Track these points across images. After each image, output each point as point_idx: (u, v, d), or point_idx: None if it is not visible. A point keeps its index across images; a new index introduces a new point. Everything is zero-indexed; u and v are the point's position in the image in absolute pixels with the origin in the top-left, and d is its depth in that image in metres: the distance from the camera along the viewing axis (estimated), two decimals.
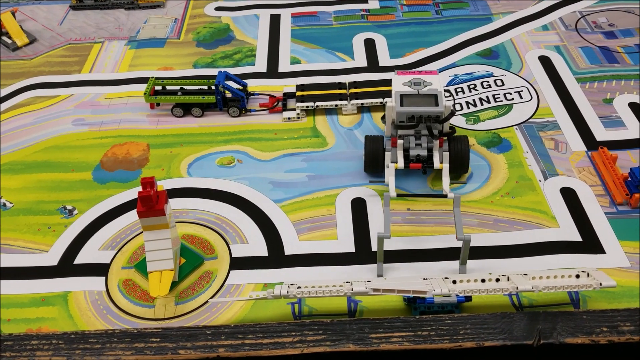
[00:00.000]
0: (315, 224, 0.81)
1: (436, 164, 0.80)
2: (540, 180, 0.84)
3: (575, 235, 0.76)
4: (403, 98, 0.80)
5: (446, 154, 0.81)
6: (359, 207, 0.83)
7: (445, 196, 0.77)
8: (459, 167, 0.83)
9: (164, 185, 0.86)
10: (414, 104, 0.79)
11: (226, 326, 0.60)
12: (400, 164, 0.81)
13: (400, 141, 0.81)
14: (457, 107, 0.98)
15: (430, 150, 0.81)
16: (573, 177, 0.85)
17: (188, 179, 0.89)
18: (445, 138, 0.81)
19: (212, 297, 0.71)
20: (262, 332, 0.59)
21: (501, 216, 0.80)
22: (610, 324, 0.58)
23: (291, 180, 0.87)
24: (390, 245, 0.77)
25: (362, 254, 0.76)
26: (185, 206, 0.84)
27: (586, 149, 0.89)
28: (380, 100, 0.96)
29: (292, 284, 0.67)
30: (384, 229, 0.72)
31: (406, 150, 0.81)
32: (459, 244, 0.72)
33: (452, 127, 0.82)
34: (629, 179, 0.81)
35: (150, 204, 0.68)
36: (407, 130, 0.80)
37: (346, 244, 0.78)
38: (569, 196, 0.82)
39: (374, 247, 0.77)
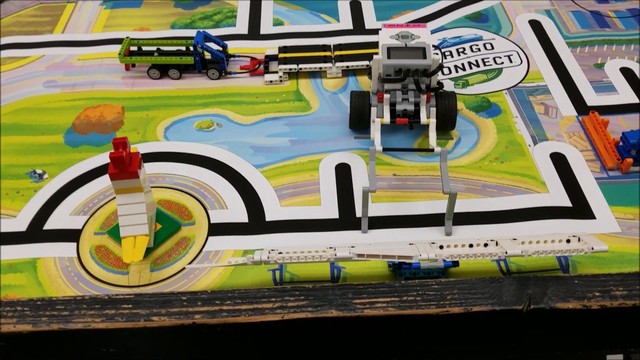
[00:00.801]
0: (298, 189, 0.78)
1: (423, 119, 0.78)
2: (529, 145, 0.82)
3: (565, 201, 0.74)
4: (390, 51, 0.77)
5: (433, 110, 0.79)
6: (343, 173, 0.79)
7: (432, 150, 0.75)
8: (446, 124, 0.81)
9: (138, 149, 0.82)
10: (401, 57, 0.76)
11: (203, 292, 0.57)
12: (387, 119, 0.78)
13: (386, 96, 0.78)
14: (446, 71, 0.94)
15: (417, 105, 0.78)
16: (563, 142, 0.82)
17: (165, 142, 0.85)
18: (432, 93, 0.78)
19: (189, 264, 0.68)
20: (241, 297, 0.56)
21: (490, 181, 0.77)
22: (603, 288, 0.56)
23: (273, 144, 0.84)
24: (375, 211, 0.74)
25: (346, 220, 0.73)
26: (162, 171, 0.81)
27: (577, 114, 0.86)
28: (367, 62, 0.93)
29: (272, 250, 0.64)
30: (369, 183, 0.69)
31: (392, 105, 0.78)
32: (445, 210, 0.70)
33: (440, 83, 0.79)
34: (620, 143, 0.78)
35: (123, 166, 0.65)
36: (393, 84, 0.77)
37: (330, 209, 0.75)
38: (559, 161, 0.80)
39: (359, 213, 0.74)
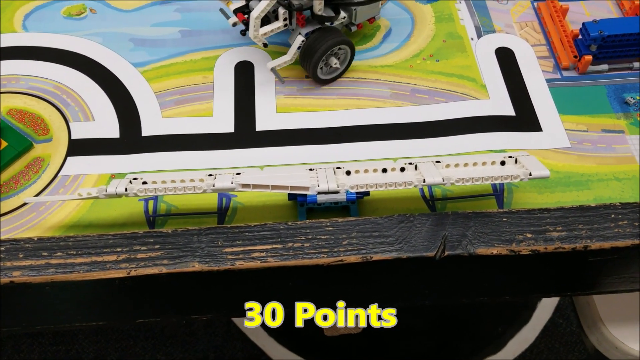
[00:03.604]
0: (186, 95, 0.63)
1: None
2: (472, 39, 0.67)
3: (507, 109, 0.61)
4: None
5: (298, 39, 0.60)
6: (244, 74, 0.64)
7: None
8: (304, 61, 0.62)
9: None
10: None
11: (27, 240, 0.44)
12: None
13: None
14: None
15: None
16: (513, 34, 0.68)
17: (23, 34, 0.67)
18: (305, 17, 0.60)
19: (35, 196, 0.55)
20: (76, 248, 0.43)
21: (420, 85, 0.63)
22: (537, 228, 0.45)
23: (159, 37, 0.67)
24: (279, 123, 0.60)
25: (244, 135, 0.60)
26: (16, 72, 0.64)
27: None
28: None
29: (135, 178, 0.51)
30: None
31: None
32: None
33: (332, 20, 0.60)
34: (580, 37, 0.64)
35: None
36: None
37: (224, 122, 0.61)
38: (506, 58, 0.66)
39: (260, 126, 0.60)
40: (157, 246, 0.43)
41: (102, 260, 0.42)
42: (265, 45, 0.61)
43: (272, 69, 0.61)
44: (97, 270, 0.42)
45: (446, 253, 0.43)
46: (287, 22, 0.60)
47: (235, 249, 0.43)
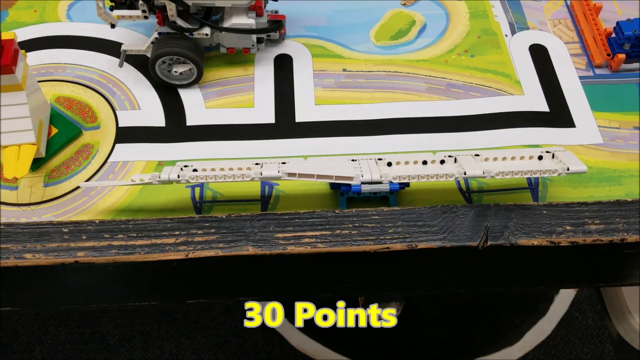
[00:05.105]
0: (228, 87, 0.65)
1: None
2: (506, 35, 0.69)
3: (541, 105, 0.63)
4: None
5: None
6: (283, 67, 0.66)
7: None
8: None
9: (31, 32, 0.67)
10: None
11: (89, 222, 0.46)
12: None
13: None
14: None
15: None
16: (547, 31, 0.69)
17: (67, 24, 0.70)
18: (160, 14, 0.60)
19: (87, 181, 0.57)
20: (136, 230, 0.45)
21: (456, 80, 0.65)
22: (576, 221, 0.47)
23: None
24: (318, 115, 0.62)
25: (284, 126, 0.62)
26: (62, 60, 0.66)
27: None
28: None
29: (186, 166, 0.53)
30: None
31: None
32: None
33: (182, 30, 0.60)
34: (613, 35, 0.66)
35: None
36: None
37: (265, 113, 0.63)
38: (539, 55, 0.67)
39: (300, 117, 0.62)
40: (213, 230, 0.46)
41: (162, 243, 0.45)
42: (112, 26, 0.63)
43: (123, 51, 0.62)
44: (157, 252, 0.44)
45: (489, 243, 0.45)
46: (147, 15, 0.61)
47: (286, 235, 0.45)
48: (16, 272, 0.46)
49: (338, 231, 0.46)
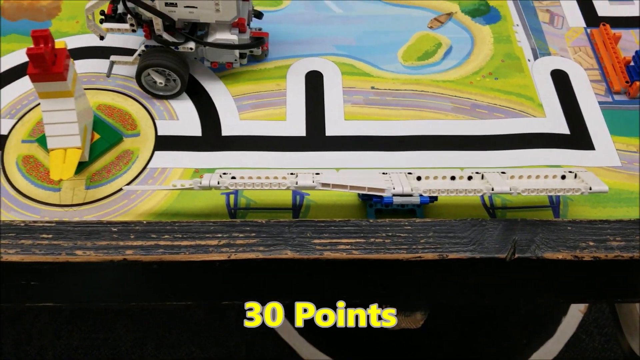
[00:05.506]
0: (261, 100, 0.68)
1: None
2: (529, 60, 0.72)
3: (562, 128, 0.66)
4: None
5: None
6: (314, 83, 0.69)
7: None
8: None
9: (73, 42, 0.70)
10: None
11: (137, 223, 0.49)
12: None
13: None
14: None
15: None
16: (567, 57, 0.72)
17: (108, 36, 0.72)
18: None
19: (128, 184, 0.59)
20: (182, 232, 0.48)
21: (480, 101, 0.68)
22: (598, 237, 0.49)
23: None
24: (347, 130, 0.65)
25: (315, 139, 0.64)
26: (104, 70, 0.69)
27: (585, 25, 0.76)
28: None
29: (225, 173, 0.56)
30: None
31: None
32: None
33: (167, 44, 0.64)
34: (632, 63, 0.69)
35: (45, 65, 0.54)
36: None
37: (296, 126, 0.65)
38: (560, 80, 0.70)
39: (330, 132, 0.65)
40: (253, 234, 0.48)
41: (205, 244, 0.47)
42: (101, 38, 0.66)
43: (111, 62, 0.66)
44: (201, 252, 0.46)
45: (516, 255, 0.47)
46: (134, 28, 0.64)
47: (322, 241, 0.48)
48: (54, 269, 0.48)
49: (372, 239, 0.48)
